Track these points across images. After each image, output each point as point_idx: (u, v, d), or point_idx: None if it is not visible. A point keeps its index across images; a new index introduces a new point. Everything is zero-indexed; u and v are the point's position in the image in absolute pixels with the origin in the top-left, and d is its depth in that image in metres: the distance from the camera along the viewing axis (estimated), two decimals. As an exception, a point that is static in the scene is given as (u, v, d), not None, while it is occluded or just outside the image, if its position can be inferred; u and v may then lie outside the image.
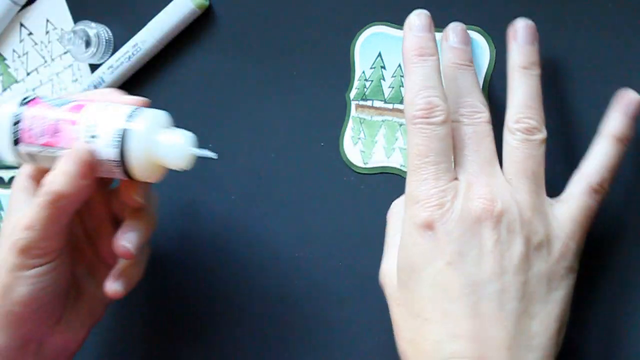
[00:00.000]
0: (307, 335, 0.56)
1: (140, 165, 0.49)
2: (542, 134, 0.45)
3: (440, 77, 0.46)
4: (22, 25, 0.67)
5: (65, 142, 0.49)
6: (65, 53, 0.65)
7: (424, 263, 0.44)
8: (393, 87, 0.53)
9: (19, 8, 0.66)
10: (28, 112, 0.50)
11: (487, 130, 0.46)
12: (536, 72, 0.47)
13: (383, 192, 0.54)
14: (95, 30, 0.62)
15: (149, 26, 0.60)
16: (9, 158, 0.51)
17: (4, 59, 0.68)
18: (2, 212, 0.68)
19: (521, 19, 0.48)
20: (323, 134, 0.55)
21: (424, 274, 0.44)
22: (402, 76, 0.52)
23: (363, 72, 0.54)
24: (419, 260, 0.44)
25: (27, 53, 0.67)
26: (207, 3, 0.59)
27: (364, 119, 0.54)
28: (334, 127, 0.55)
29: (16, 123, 0.50)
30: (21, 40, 0.67)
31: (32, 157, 0.50)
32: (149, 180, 0.50)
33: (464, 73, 0.48)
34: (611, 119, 0.46)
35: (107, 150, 0.49)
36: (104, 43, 0.62)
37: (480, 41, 0.51)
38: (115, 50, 0.62)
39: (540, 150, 0.45)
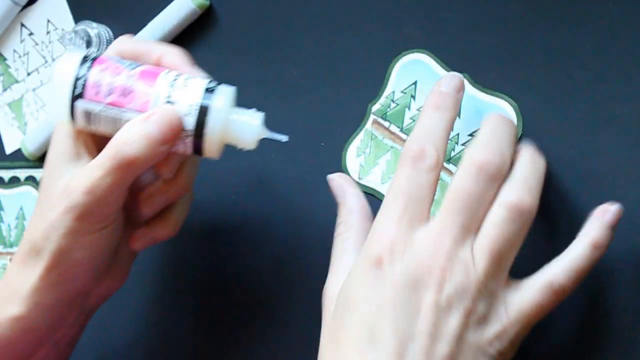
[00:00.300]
0: (304, 334, 0.56)
1: (213, 140, 0.48)
2: (530, 216, 0.44)
3: (448, 134, 0.46)
4: (22, 25, 0.67)
5: (137, 104, 0.47)
6: (66, 53, 0.65)
7: (361, 300, 0.44)
8: (413, 120, 0.53)
9: (19, 8, 0.66)
10: (95, 67, 0.48)
11: (485, 193, 0.44)
12: (544, 161, 0.47)
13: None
14: (96, 30, 0.62)
15: (150, 26, 0.60)
16: (62, 115, 0.48)
17: (5, 59, 0.68)
18: (2, 212, 0.68)
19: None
20: (329, 135, 0.55)
21: (358, 311, 0.43)
22: None
23: (393, 92, 0.54)
24: (358, 295, 0.44)
25: (27, 53, 0.67)
26: (207, 3, 0.59)
27: (376, 137, 0.54)
28: (343, 132, 0.55)
29: (80, 77, 0.48)
30: (22, 41, 0.67)
31: (89, 116, 0.48)
32: (210, 157, 0.49)
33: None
34: (591, 225, 0.46)
35: (184, 119, 0.47)
36: (105, 43, 0.62)
37: (508, 110, 0.51)
38: (116, 50, 0.62)
39: (520, 234, 0.44)
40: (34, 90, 0.66)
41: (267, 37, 0.57)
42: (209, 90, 0.48)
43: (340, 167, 0.55)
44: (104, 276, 0.52)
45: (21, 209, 0.67)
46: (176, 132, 0.47)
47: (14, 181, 0.67)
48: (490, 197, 0.44)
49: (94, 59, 0.48)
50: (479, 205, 0.44)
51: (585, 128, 0.49)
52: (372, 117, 0.54)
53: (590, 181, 0.49)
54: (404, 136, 0.53)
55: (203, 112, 0.48)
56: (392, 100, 0.53)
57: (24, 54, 0.67)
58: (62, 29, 0.65)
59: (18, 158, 0.67)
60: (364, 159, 0.54)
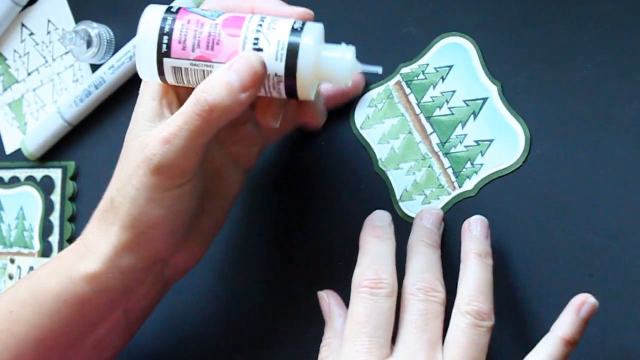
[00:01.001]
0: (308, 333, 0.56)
1: (306, 81, 0.46)
2: (491, 322, 0.46)
3: (394, 259, 0.48)
4: (23, 25, 0.67)
5: (224, 55, 0.46)
6: (66, 53, 0.65)
7: None
8: (433, 100, 0.53)
9: (20, 8, 0.66)
10: (178, 21, 0.46)
11: (439, 311, 0.47)
12: (490, 262, 0.48)
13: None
14: (97, 30, 0.62)
15: (150, 26, 0.60)
16: (150, 74, 0.47)
17: (5, 59, 0.68)
18: (2, 212, 0.68)
19: (476, 216, 0.50)
20: None
21: None
22: (447, 101, 0.52)
23: (427, 65, 0.53)
24: None
25: (28, 53, 0.67)
26: (208, 3, 0.59)
27: (392, 97, 0.54)
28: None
29: (165, 34, 0.46)
30: (22, 41, 0.67)
31: (177, 73, 0.46)
32: (305, 98, 0.47)
33: (428, 251, 0.49)
34: (563, 320, 0.46)
35: (273, 65, 0.46)
36: (105, 43, 0.62)
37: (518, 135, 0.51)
38: (116, 50, 0.62)
39: (486, 339, 0.46)
40: (34, 90, 0.67)
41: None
42: (296, 30, 0.46)
43: (348, 112, 0.55)
44: (182, 245, 0.51)
45: (21, 208, 0.67)
46: (256, 79, 0.45)
47: (14, 181, 0.67)
48: (442, 314, 0.47)
49: (176, 12, 0.46)
50: (436, 321, 0.46)
51: (585, 128, 0.49)
52: (397, 77, 0.54)
53: (591, 181, 0.49)
54: (417, 110, 0.53)
55: (292, 52, 0.46)
56: (423, 72, 0.53)
57: (24, 54, 0.67)
58: (63, 29, 0.65)
59: (18, 158, 0.67)
60: (373, 112, 0.54)
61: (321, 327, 0.54)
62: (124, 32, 0.62)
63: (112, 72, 0.61)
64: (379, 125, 0.54)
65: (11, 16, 0.66)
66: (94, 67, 0.63)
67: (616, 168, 0.48)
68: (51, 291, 0.49)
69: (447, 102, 0.52)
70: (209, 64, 0.46)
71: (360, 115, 0.55)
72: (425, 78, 0.53)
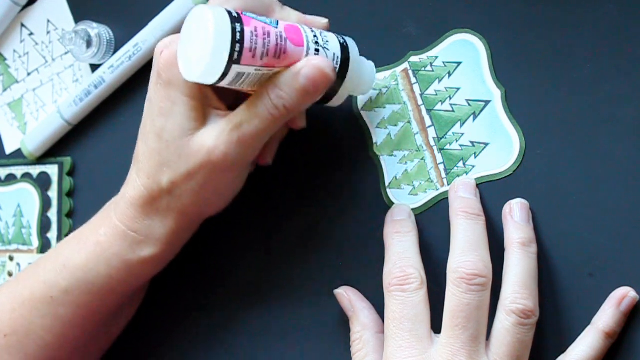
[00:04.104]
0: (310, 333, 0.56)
1: (345, 91, 0.50)
2: (535, 318, 0.47)
3: (418, 250, 0.50)
4: (23, 25, 0.67)
5: (287, 63, 0.47)
6: (66, 53, 0.65)
7: None
8: (437, 93, 0.53)
9: (20, 8, 0.66)
10: (247, 28, 0.46)
11: (482, 300, 0.47)
12: (534, 249, 0.49)
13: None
14: (97, 30, 0.62)
15: (150, 26, 0.60)
16: (208, 79, 0.46)
17: (5, 59, 0.68)
18: (0, 212, 0.68)
19: (517, 199, 0.50)
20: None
21: None
22: (450, 97, 0.52)
23: (436, 57, 0.53)
24: None
25: (27, 53, 0.67)
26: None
27: (397, 84, 0.54)
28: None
29: (237, 41, 0.45)
30: (22, 41, 0.67)
31: (238, 78, 0.47)
32: (334, 105, 0.51)
33: (470, 224, 0.49)
34: (604, 313, 0.47)
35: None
36: (105, 43, 0.62)
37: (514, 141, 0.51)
38: (116, 50, 0.62)
39: (530, 335, 0.47)
40: (34, 90, 0.66)
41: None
42: (343, 45, 0.50)
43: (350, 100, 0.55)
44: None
45: (18, 206, 0.67)
46: (327, 85, 0.48)
47: (11, 178, 0.67)
48: (487, 302, 0.47)
49: (239, 17, 0.46)
50: (479, 312, 0.47)
51: (585, 128, 0.49)
52: (405, 65, 0.54)
53: (591, 182, 0.49)
54: (419, 101, 0.53)
55: (344, 66, 0.49)
56: (431, 64, 0.53)
57: (24, 54, 0.67)
58: (63, 29, 0.65)
59: (17, 157, 0.67)
60: (376, 95, 0.55)
61: (321, 327, 0.54)
62: (124, 32, 0.62)
63: (111, 71, 0.61)
64: (380, 109, 0.54)
65: (11, 16, 0.66)
66: (94, 67, 0.63)
67: (616, 168, 0.48)
68: (104, 276, 0.53)
69: (450, 98, 0.52)
70: (272, 69, 0.47)
71: (364, 96, 0.55)
72: (433, 70, 0.53)
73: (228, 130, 0.49)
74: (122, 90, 0.62)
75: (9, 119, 0.68)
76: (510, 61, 0.51)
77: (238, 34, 0.45)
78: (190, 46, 0.47)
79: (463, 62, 0.52)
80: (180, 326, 0.60)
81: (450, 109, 0.52)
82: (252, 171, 0.54)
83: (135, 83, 0.61)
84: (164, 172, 0.50)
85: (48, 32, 0.66)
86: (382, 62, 0.54)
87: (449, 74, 0.53)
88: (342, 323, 0.53)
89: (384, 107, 0.54)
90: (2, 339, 0.54)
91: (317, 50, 0.48)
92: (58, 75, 0.65)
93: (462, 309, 0.46)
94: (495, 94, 0.51)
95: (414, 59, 0.54)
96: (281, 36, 0.47)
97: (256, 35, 0.46)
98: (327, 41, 0.49)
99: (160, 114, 0.50)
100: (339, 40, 0.50)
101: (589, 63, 0.49)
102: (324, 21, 0.52)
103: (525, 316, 0.47)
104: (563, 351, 0.48)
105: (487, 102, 0.51)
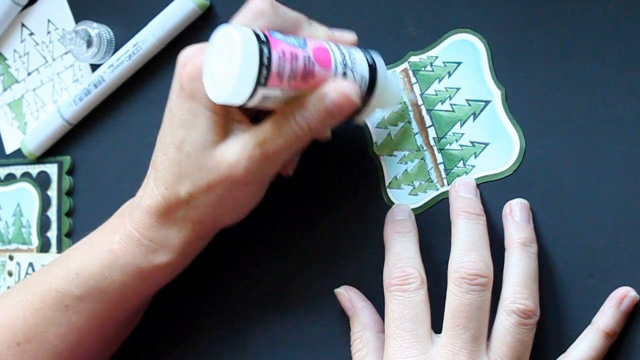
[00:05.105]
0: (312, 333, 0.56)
1: (370, 111, 0.50)
2: (536, 318, 0.47)
3: (418, 250, 0.50)
4: (23, 25, 0.67)
5: (314, 85, 0.47)
6: (66, 53, 0.65)
7: None
8: (437, 93, 0.53)
9: (20, 8, 0.66)
10: (274, 52, 0.45)
11: (483, 300, 0.47)
12: (534, 249, 0.49)
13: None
14: (97, 30, 0.62)
15: (150, 26, 0.60)
16: (240, 100, 0.46)
17: (5, 59, 0.68)
18: (0, 211, 0.68)
19: (517, 199, 0.50)
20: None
21: None
22: (450, 97, 0.52)
23: (436, 57, 0.53)
24: None
25: (28, 53, 0.67)
26: (208, 3, 0.59)
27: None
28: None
29: (265, 66, 0.45)
30: (22, 41, 0.67)
31: (264, 100, 0.46)
32: (358, 123, 0.51)
33: (471, 224, 0.49)
34: (604, 312, 0.48)
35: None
36: (106, 43, 0.62)
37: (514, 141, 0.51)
38: (116, 50, 0.62)
39: (530, 335, 0.47)
40: (34, 90, 0.67)
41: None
42: (371, 66, 0.49)
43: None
44: None
45: (18, 205, 0.67)
46: (351, 110, 0.48)
47: (10, 178, 0.67)
48: (488, 301, 0.47)
49: (267, 40, 0.45)
50: (480, 312, 0.47)
51: (585, 128, 0.49)
52: (405, 65, 0.54)
53: (591, 182, 0.49)
54: (420, 100, 0.53)
55: (370, 88, 0.49)
56: (431, 64, 0.53)
57: (24, 54, 0.67)
58: (63, 29, 0.65)
59: (16, 157, 0.67)
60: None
61: (320, 327, 0.54)
62: (124, 32, 0.62)
63: (111, 71, 0.61)
64: (379, 109, 0.54)
65: (11, 16, 0.67)
66: (94, 67, 0.63)
67: (616, 168, 0.48)
68: (119, 284, 0.53)
69: (450, 98, 0.52)
70: (299, 90, 0.47)
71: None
72: (433, 70, 0.53)
73: (251, 147, 0.48)
74: (121, 89, 0.62)
75: (9, 119, 0.68)
76: (510, 61, 0.51)
77: (266, 59, 0.45)
78: (216, 67, 0.46)
79: (463, 62, 0.52)
80: (178, 324, 0.60)
81: (450, 109, 0.52)
82: (272, 181, 0.53)
83: (135, 82, 0.61)
84: (183, 183, 0.50)
85: (48, 32, 0.66)
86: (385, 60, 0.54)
87: (449, 74, 0.53)
88: (343, 323, 0.53)
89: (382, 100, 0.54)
90: (15, 347, 0.54)
91: (344, 72, 0.48)
92: (58, 75, 0.65)
93: (463, 308, 0.46)
94: (495, 94, 0.51)
95: (413, 59, 0.54)
96: (309, 59, 0.46)
97: (284, 59, 0.45)
98: (355, 63, 0.48)
99: (182, 125, 0.49)
100: (367, 61, 0.49)
101: (589, 63, 0.49)
102: (351, 37, 0.52)
103: (526, 316, 0.47)
104: (563, 351, 0.48)
105: (487, 102, 0.51)
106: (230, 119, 0.50)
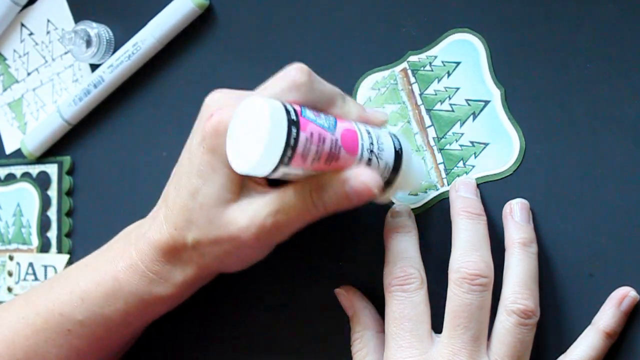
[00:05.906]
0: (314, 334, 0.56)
1: (395, 190, 0.49)
2: (536, 318, 0.47)
3: (418, 249, 0.50)
4: (22, 25, 0.67)
5: (337, 168, 0.46)
6: (66, 53, 0.65)
7: None
8: (436, 93, 0.53)
9: (19, 8, 0.66)
10: (302, 134, 0.44)
11: (484, 300, 0.47)
12: (534, 249, 0.49)
13: None
14: (96, 30, 0.62)
15: (150, 26, 0.60)
16: (260, 174, 0.44)
17: (5, 59, 0.68)
18: (0, 211, 0.68)
19: (517, 199, 0.50)
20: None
21: None
22: (449, 97, 0.52)
23: (435, 57, 0.53)
24: None
25: (27, 53, 0.67)
26: (207, 3, 0.59)
27: (396, 84, 0.54)
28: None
29: (290, 147, 0.43)
30: (22, 40, 0.67)
31: (284, 176, 0.46)
32: (380, 203, 0.51)
33: (471, 224, 0.49)
34: (604, 312, 0.48)
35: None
36: (105, 43, 0.62)
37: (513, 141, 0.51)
38: (115, 50, 0.62)
39: (531, 335, 0.47)
40: (34, 90, 0.67)
41: (266, 37, 0.57)
42: (397, 152, 0.48)
43: (351, 88, 0.55)
44: None
45: (18, 205, 0.67)
46: (370, 199, 0.47)
47: (10, 178, 0.67)
48: (488, 302, 0.47)
49: (297, 120, 0.44)
50: (481, 312, 0.47)
51: (585, 128, 0.49)
52: (404, 64, 0.54)
53: (591, 182, 0.49)
54: (419, 101, 0.53)
55: (393, 176, 0.48)
56: (430, 64, 0.53)
57: (24, 54, 0.67)
58: (62, 29, 0.65)
59: (16, 157, 0.67)
60: (376, 95, 0.54)
61: (320, 327, 0.54)
62: (124, 32, 0.62)
63: (110, 71, 0.61)
64: (379, 109, 0.54)
65: (11, 16, 0.67)
66: (94, 67, 0.63)
67: (616, 168, 0.48)
68: (122, 312, 0.53)
69: (450, 98, 0.52)
70: (320, 171, 0.46)
71: (363, 95, 0.55)
72: (432, 70, 0.53)
73: (263, 215, 0.48)
74: (121, 89, 0.62)
75: (9, 119, 0.68)
76: (509, 61, 0.51)
77: (293, 140, 0.43)
78: (242, 137, 0.45)
79: (462, 61, 0.52)
80: (178, 324, 0.60)
81: (450, 109, 0.52)
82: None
83: (135, 82, 0.61)
84: (192, 230, 0.50)
85: (48, 32, 0.66)
86: (381, 61, 0.54)
87: (448, 74, 0.53)
88: (343, 323, 0.53)
89: (383, 107, 0.54)
90: None
91: (369, 159, 0.47)
92: (58, 75, 0.65)
93: (464, 309, 0.46)
94: (494, 93, 0.51)
95: (413, 58, 0.54)
96: (336, 143, 0.45)
97: (311, 142, 0.44)
98: (382, 149, 0.47)
99: (199, 175, 0.49)
100: (395, 147, 0.48)
101: (589, 63, 0.49)
102: (383, 117, 0.50)
103: (526, 316, 0.47)
104: (563, 351, 0.48)
105: (486, 102, 0.51)
106: (247, 178, 0.49)
